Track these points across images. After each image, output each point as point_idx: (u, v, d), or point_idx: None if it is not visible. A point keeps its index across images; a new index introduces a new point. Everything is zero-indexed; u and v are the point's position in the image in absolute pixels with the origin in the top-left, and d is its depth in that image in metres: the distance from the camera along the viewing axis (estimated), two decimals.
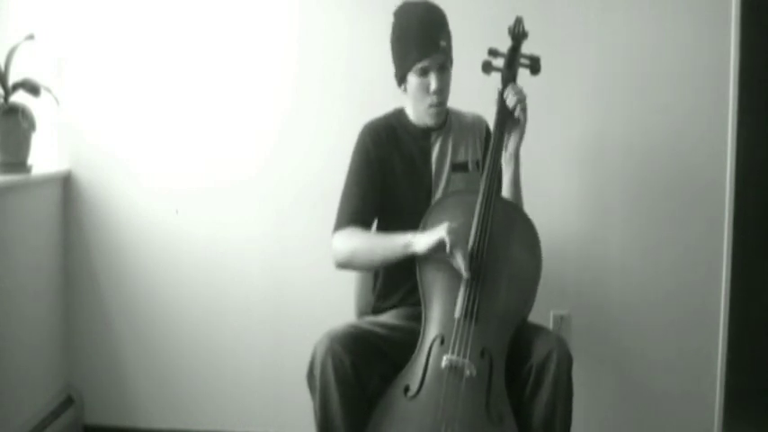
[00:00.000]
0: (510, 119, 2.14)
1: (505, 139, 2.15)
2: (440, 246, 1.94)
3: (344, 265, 2.16)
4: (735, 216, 2.79)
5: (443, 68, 2.15)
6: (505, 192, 2.18)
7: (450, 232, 1.93)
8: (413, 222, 2.10)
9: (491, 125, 2.22)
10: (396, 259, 2.05)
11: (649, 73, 2.77)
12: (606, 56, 2.78)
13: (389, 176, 2.22)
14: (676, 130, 2.79)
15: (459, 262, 1.94)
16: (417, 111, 2.22)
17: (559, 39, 2.75)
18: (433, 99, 2.16)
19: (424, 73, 2.14)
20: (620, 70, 2.78)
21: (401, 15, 2.20)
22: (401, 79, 2.21)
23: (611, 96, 2.79)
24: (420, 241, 1.98)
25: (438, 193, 2.23)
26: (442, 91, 2.16)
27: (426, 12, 2.17)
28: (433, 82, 2.14)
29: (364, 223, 2.18)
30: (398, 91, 2.26)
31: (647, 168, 2.80)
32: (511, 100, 2.12)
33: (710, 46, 2.76)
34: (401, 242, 2.02)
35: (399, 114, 2.30)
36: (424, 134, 2.26)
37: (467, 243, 2.00)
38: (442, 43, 2.13)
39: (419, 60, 2.12)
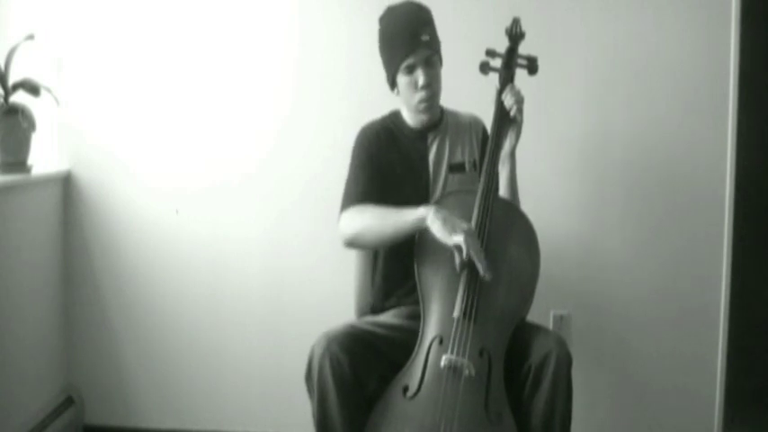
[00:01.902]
0: (507, 119, 2.15)
1: (503, 138, 2.16)
2: (457, 249, 1.92)
3: (353, 240, 2.12)
4: (735, 216, 2.78)
5: (429, 63, 2.15)
6: (502, 191, 2.18)
7: (467, 235, 1.89)
8: None
9: (487, 125, 2.23)
10: (406, 234, 2.02)
11: (648, 73, 2.77)
12: (605, 56, 2.78)
13: (388, 177, 2.22)
14: (676, 130, 2.78)
15: (479, 265, 1.90)
16: (410, 109, 2.23)
17: (557, 39, 2.75)
18: (422, 94, 2.16)
19: (410, 70, 2.14)
20: (618, 70, 2.78)
21: (384, 20, 2.22)
22: (392, 83, 2.21)
23: (610, 96, 2.78)
24: (436, 226, 1.93)
25: (436, 194, 2.23)
26: (430, 85, 2.16)
27: (407, 11, 2.19)
28: (420, 77, 2.14)
29: (372, 203, 2.15)
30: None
31: (646, 168, 2.80)
32: (508, 101, 2.13)
33: (710, 46, 2.75)
34: (415, 215, 1.98)
35: (395, 117, 2.31)
36: (421, 135, 2.27)
37: (480, 244, 1.98)
38: (425, 37, 2.13)
39: (404, 59, 2.13)
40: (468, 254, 1.90)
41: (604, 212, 2.82)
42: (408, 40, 2.12)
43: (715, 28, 2.74)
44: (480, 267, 1.91)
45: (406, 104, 2.24)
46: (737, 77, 2.75)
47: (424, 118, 2.23)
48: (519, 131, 2.16)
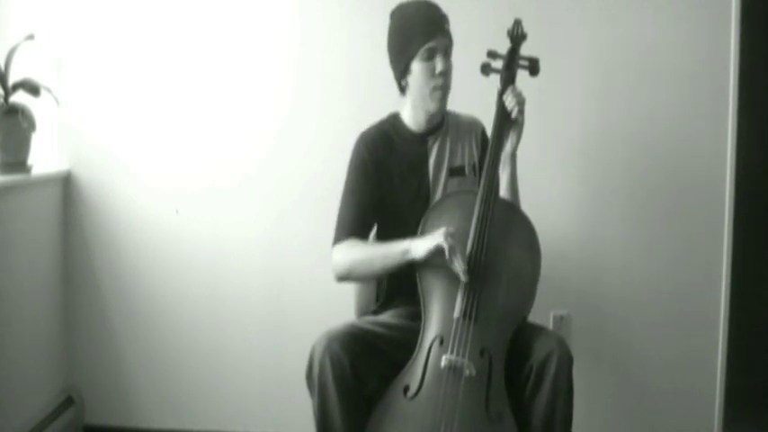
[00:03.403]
0: (508, 120, 2.14)
1: (504, 140, 2.16)
2: (438, 251, 1.94)
3: (345, 277, 2.17)
4: (735, 216, 2.79)
5: (447, 53, 2.16)
6: (503, 192, 2.18)
7: (447, 237, 1.94)
8: (412, 228, 2.10)
9: (487, 127, 2.22)
10: (395, 267, 2.06)
11: (649, 73, 2.77)
12: (605, 56, 2.78)
13: (387, 184, 2.22)
14: (676, 130, 2.79)
15: (458, 267, 1.94)
16: (421, 98, 2.19)
17: (558, 40, 2.75)
18: (438, 81, 2.15)
19: (430, 56, 2.13)
20: (618, 71, 2.78)
21: (399, 12, 2.21)
22: (404, 71, 2.18)
23: (611, 97, 2.79)
24: (418, 248, 1.99)
25: (436, 198, 2.22)
26: (447, 73, 2.16)
27: (426, 3, 2.20)
28: (438, 64, 2.13)
29: (362, 233, 2.18)
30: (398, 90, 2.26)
31: (646, 168, 2.80)
32: (510, 102, 2.13)
33: (710, 46, 2.76)
34: (399, 249, 2.03)
35: (394, 120, 2.29)
36: (421, 139, 2.26)
37: (465, 247, 2.01)
38: (446, 26, 2.16)
39: (426, 42, 2.12)
40: (449, 254, 1.93)
41: (605, 213, 2.82)
42: (431, 26, 2.13)
43: (715, 28, 2.75)
44: (460, 268, 1.94)
45: (417, 95, 2.19)
46: (737, 77, 2.75)
47: (432, 109, 2.19)
48: (520, 132, 2.15)
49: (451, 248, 1.93)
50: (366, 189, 2.20)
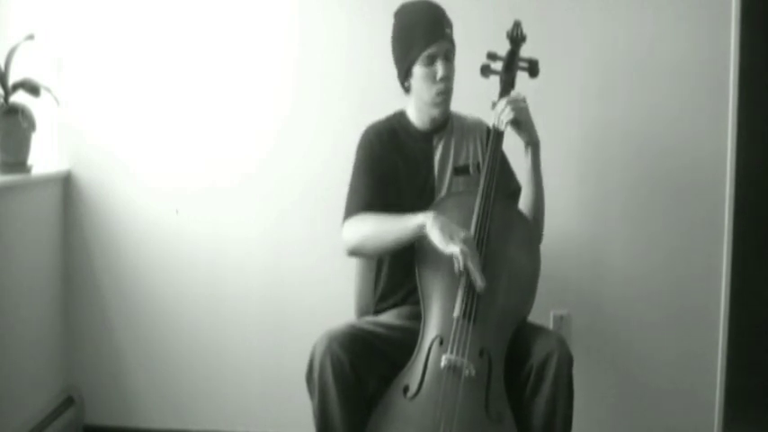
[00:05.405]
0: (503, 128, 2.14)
1: (500, 144, 2.15)
2: (452, 257, 1.93)
3: (356, 250, 2.13)
4: (735, 216, 2.79)
5: (448, 58, 2.16)
6: (525, 184, 2.19)
7: (464, 245, 1.91)
8: None
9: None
10: (409, 241, 2.02)
11: (649, 73, 2.77)
12: (605, 56, 2.78)
13: (392, 177, 2.22)
14: (676, 130, 2.79)
15: (475, 276, 1.92)
16: (423, 103, 2.20)
17: (558, 40, 2.75)
18: (440, 86, 2.15)
19: (430, 61, 2.14)
20: (618, 70, 2.78)
21: (403, 12, 2.22)
22: (406, 74, 2.19)
23: (611, 96, 2.79)
24: (434, 234, 1.93)
25: (441, 196, 2.21)
26: (449, 78, 2.16)
27: (428, 6, 2.20)
28: (440, 69, 2.14)
29: (374, 211, 2.15)
30: (399, 91, 2.26)
31: (646, 168, 2.80)
32: (494, 118, 2.13)
33: (710, 45, 2.76)
34: (414, 223, 1.98)
35: (401, 117, 2.30)
36: (426, 137, 2.26)
37: (478, 254, 1.98)
38: (447, 30, 2.16)
39: (426, 47, 2.12)
40: (464, 264, 1.91)
41: (604, 212, 2.82)
42: (432, 30, 2.13)
43: (715, 27, 2.75)
44: (476, 279, 1.92)
45: (419, 99, 2.21)
46: (737, 77, 2.75)
47: (435, 114, 2.20)
48: (527, 130, 2.12)
49: (465, 256, 1.90)
50: (376, 171, 2.19)
